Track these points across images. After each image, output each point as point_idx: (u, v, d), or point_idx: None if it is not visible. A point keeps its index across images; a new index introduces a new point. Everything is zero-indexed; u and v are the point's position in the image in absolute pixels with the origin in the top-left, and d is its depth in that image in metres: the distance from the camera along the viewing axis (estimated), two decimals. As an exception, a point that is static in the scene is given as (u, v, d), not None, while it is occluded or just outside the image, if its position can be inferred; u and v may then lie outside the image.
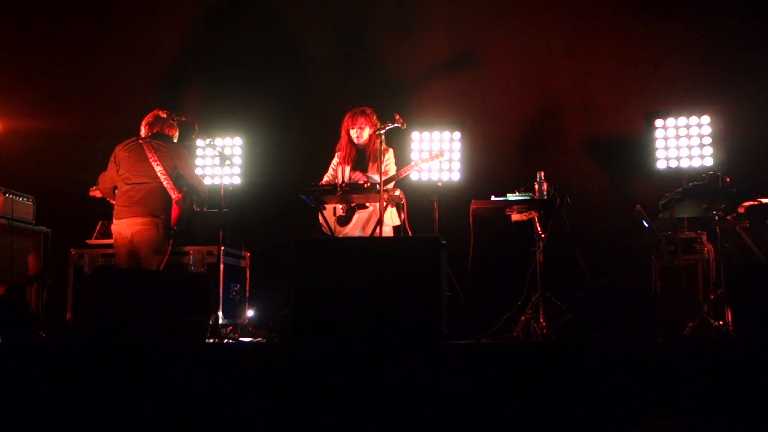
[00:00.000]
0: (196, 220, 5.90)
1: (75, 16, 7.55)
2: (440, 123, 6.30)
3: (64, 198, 6.49)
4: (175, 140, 5.65)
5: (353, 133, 5.51)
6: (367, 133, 5.48)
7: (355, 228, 5.40)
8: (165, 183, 5.34)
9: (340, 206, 5.41)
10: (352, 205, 5.39)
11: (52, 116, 7.27)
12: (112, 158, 5.50)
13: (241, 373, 3.70)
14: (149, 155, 5.34)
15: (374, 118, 5.49)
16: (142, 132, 5.55)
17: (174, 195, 5.38)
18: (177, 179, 5.43)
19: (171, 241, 5.47)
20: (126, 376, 3.70)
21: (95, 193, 5.81)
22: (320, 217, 5.45)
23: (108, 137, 5.95)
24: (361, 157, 5.55)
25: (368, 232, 5.32)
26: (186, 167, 5.51)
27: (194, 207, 5.79)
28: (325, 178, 5.61)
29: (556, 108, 6.86)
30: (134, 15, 7.57)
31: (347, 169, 5.53)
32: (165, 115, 5.52)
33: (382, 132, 5.20)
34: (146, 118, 5.58)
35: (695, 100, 6.35)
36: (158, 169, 5.31)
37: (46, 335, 5.34)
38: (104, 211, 6.09)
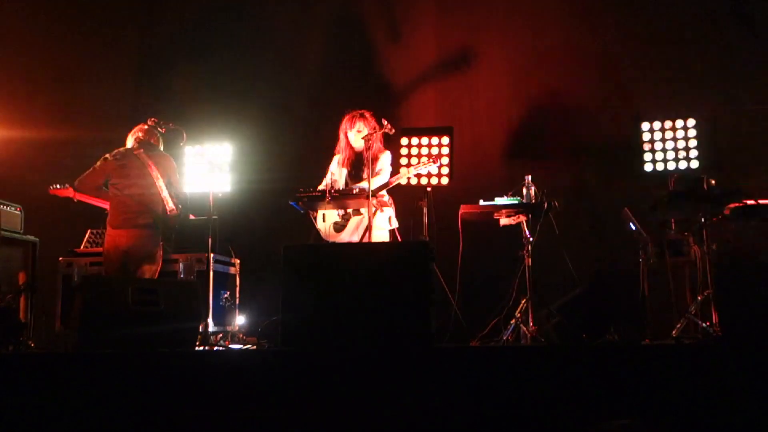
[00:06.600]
0: (186, 227, 5.90)
1: (62, 25, 7.53)
2: (429, 128, 6.30)
3: (53, 207, 6.45)
4: (161, 148, 5.67)
5: (351, 135, 5.49)
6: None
7: (350, 234, 5.38)
8: (164, 194, 5.38)
9: (338, 213, 5.36)
10: (348, 210, 5.38)
11: (39, 125, 7.24)
12: (101, 165, 5.45)
13: (232, 380, 3.70)
14: (150, 168, 5.37)
15: (373, 121, 5.46)
16: (132, 143, 5.55)
17: (170, 206, 5.40)
18: (170, 189, 5.47)
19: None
20: (116, 384, 3.69)
21: (61, 192, 5.77)
22: (315, 223, 5.42)
23: (96, 145, 5.96)
24: (359, 160, 5.52)
25: (360, 237, 5.31)
26: (175, 176, 5.57)
27: (186, 215, 5.83)
28: (324, 182, 5.46)
29: (544, 112, 6.88)
30: (122, 23, 7.56)
31: (344, 171, 5.51)
32: (152, 123, 5.52)
33: (370, 138, 5.22)
34: (135, 130, 5.59)
35: (681, 104, 6.41)
36: (159, 182, 5.36)
37: (35, 345, 5.32)
38: (93, 219, 6.08)
